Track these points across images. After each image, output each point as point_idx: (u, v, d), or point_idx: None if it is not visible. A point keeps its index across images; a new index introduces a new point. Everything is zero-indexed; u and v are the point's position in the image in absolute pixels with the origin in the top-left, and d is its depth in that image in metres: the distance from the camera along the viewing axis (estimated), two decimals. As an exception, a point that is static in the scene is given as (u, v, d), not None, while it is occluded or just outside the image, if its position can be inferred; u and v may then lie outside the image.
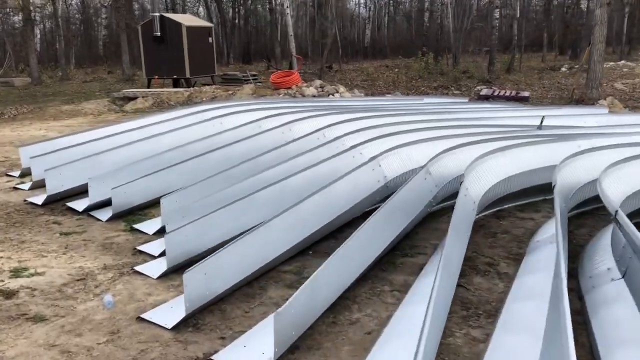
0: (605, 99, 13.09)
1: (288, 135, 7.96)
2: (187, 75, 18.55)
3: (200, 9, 41.75)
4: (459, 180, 5.38)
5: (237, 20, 35.95)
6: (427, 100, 11.04)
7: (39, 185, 7.11)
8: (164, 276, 4.57)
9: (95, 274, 4.66)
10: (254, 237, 4.29)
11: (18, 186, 7.32)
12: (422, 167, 5.44)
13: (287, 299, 3.35)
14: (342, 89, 15.71)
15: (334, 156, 6.18)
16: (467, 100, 11.35)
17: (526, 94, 15.26)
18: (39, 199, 6.64)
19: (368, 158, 5.91)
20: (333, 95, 15.24)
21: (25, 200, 6.70)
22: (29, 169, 7.69)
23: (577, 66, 23.53)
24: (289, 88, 16.14)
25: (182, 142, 7.53)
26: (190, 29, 18.45)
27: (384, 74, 22.26)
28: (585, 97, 13.28)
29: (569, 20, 33.53)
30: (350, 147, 6.49)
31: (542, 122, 7.48)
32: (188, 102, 16.63)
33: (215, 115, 8.76)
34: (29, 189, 7.16)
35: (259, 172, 6.03)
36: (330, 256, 3.83)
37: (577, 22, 31.45)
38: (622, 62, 24.98)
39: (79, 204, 6.41)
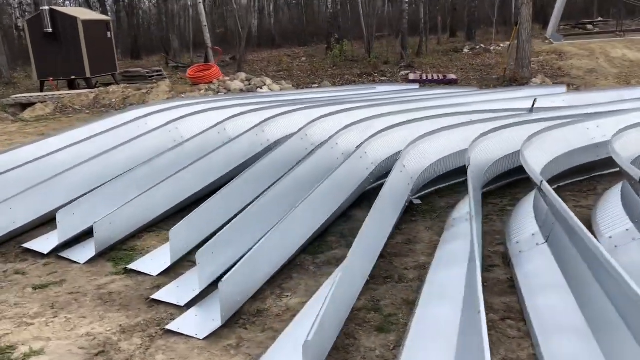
0: (535, 77, 13.31)
1: (262, 136, 7.07)
2: (88, 74, 16.68)
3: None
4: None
5: (121, 13, 33.38)
6: (380, 88, 10.49)
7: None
8: (213, 335, 3.59)
9: (116, 343, 3.58)
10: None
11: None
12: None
13: None
14: (268, 81, 14.77)
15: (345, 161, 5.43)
16: (417, 87, 10.95)
17: (453, 76, 15.24)
18: (47, 242, 5.24)
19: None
20: (261, 88, 14.28)
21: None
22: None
23: (477, 47, 24.20)
24: (210, 83, 14.94)
25: (146, 155, 6.40)
26: (87, 23, 16.56)
27: (295, 64, 21.51)
28: (518, 76, 13.42)
29: (457, 3, 34.57)
30: (355, 148, 5.77)
31: (534, 104, 7.18)
32: (95, 105, 14.90)
33: (171, 119, 7.59)
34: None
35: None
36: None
37: (467, 3, 32.47)
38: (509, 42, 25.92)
39: (41, 244, 5.13)
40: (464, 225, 4.77)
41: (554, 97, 8.79)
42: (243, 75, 15.15)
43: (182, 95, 14.31)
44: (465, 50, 24.24)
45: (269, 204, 4.85)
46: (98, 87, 16.88)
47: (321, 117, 6.82)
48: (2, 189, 5.70)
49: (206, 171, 6.10)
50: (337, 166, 5.32)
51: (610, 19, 37.95)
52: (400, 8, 20.36)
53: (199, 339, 3.55)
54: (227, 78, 15.13)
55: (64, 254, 4.97)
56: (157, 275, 4.52)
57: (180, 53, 25.08)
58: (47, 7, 16.08)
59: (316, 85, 15.70)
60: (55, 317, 3.94)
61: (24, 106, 15.25)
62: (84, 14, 17.14)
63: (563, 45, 21.28)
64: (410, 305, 3.84)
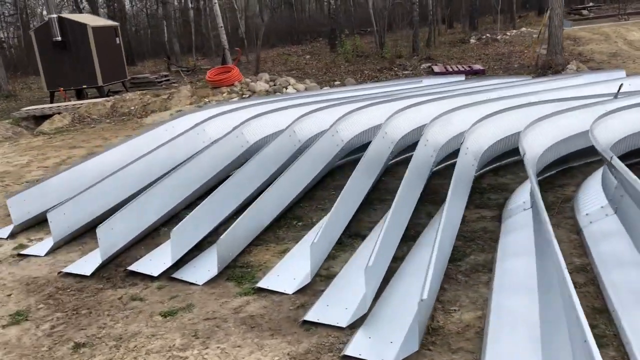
0: (570, 64, 13.07)
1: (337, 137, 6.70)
2: (100, 82, 16.14)
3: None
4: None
5: (115, 18, 32.66)
6: (426, 82, 10.14)
7: (59, 245, 5.27)
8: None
9: (297, 374, 3.19)
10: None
11: (25, 252, 5.35)
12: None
13: None
14: (292, 81, 14.35)
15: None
16: (464, 79, 10.62)
17: (479, 67, 14.96)
18: (82, 266, 4.81)
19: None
20: (286, 88, 13.86)
21: (60, 273, 4.83)
22: (24, 224, 5.77)
23: (484, 37, 23.97)
24: (232, 85, 14.48)
25: (222, 164, 6.04)
26: (96, 29, 16.02)
27: (302, 62, 21.09)
28: (553, 63, 13.16)
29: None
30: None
31: (619, 90, 6.90)
32: (113, 113, 14.37)
33: (235, 124, 7.15)
34: (45, 254, 5.23)
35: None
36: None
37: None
38: (515, 31, 25.74)
39: (148, 265, 4.72)
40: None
41: (622, 82, 8.49)
42: (266, 75, 14.71)
43: (206, 100, 13.86)
44: (472, 41, 24.00)
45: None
46: (110, 95, 16.34)
47: (405, 108, 6.51)
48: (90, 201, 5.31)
49: (299, 176, 5.72)
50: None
51: (602, 3, 38.09)
52: (410, 0, 20.02)
53: (390, 365, 3.18)
54: (249, 80, 14.68)
55: (177, 275, 4.56)
56: (294, 294, 4.13)
57: (182, 56, 24.57)
58: (55, 15, 15.50)
59: (338, 83, 15.32)
60: (206, 347, 3.54)
61: (37, 118, 14.68)
62: (93, 20, 16.58)
63: (575, 30, 21.11)
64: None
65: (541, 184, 5.61)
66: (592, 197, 5.20)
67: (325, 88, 14.45)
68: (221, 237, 4.47)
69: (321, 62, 20.34)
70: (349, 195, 5.00)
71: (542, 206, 3.73)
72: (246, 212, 4.85)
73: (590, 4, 37.81)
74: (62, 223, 5.27)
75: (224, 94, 14.16)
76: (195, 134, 7.53)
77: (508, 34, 24.19)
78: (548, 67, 13.07)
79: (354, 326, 3.59)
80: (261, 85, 13.91)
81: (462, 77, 10.75)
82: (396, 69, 16.52)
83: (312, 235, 4.98)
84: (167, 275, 4.60)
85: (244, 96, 13.78)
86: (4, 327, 4.03)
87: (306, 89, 14.08)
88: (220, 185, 5.39)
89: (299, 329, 3.67)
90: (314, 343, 3.49)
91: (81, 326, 3.95)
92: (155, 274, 4.59)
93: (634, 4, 28.94)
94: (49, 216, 5.17)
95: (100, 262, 4.68)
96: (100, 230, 4.74)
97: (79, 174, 6.50)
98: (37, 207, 5.97)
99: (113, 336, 3.78)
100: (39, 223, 6.05)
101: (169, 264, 4.60)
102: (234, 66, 15.16)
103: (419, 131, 6.45)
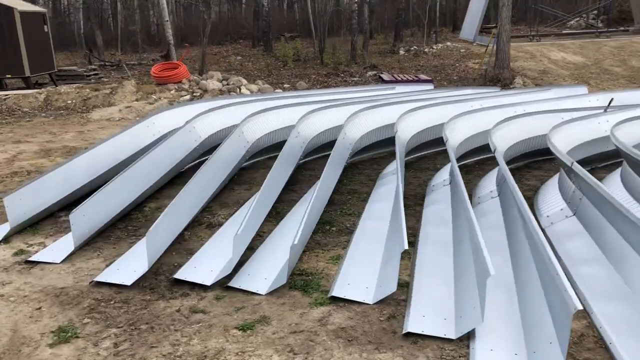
0: (517, 78, 13.70)
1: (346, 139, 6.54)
2: (27, 73, 14.79)
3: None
4: None
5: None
6: (399, 89, 10.20)
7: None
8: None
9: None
10: None
11: (33, 258, 4.68)
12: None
13: None
14: (244, 81, 13.91)
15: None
16: (432, 87, 10.76)
17: (425, 77, 15.30)
18: (119, 275, 4.28)
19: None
20: (239, 88, 13.40)
21: (93, 282, 4.27)
22: (19, 226, 5.10)
23: (412, 49, 24.66)
24: (179, 82, 13.79)
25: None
26: (24, 15, 14.70)
27: (238, 63, 20.58)
28: (501, 76, 13.71)
29: (374, 4, 35.13)
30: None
31: (609, 104, 7.26)
32: (47, 107, 13.23)
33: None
34: (61, 262, 4.61)
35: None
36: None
37: (385, 6, 33.09)
38: (441, 44, 26.71)
39: (197, 273, 4.29)
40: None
41: (590, 97, 8.99)
42: (219, 74, 14.14)
43: (154, 97, 13.10)
44: (402, 52, 24.62)
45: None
46: (37, 87, 15.03)
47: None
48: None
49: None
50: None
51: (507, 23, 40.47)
52: (350, 8, 20.14)
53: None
54: (197, 77, 14.06)
55: (234, 284, 4.18)
56: (375, 304, 3.91)
57: (105, 50, 23.20)
58: (-23, -4, 14.03)
59: (287, 86, 15.08)
60: (314, 364, 3.24)
61: (-45, 109, 13.22)
62: (20, 4, 15.16)
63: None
64: None
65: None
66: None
67: (278, 90, 14.17)
68: (293, 244, 4.15)
69: (257, 64, 19.95)
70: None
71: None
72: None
73: (495, 24, 40.21)
74: (83, 225, 4.69)
75: (172, 91, 13.46)
76: (187, 132, 7.07)
77: (434, 47, 25.05)
78: (497, 81, 13.61)
79: (464, 337, 3.44)
80: (214, 84, 13.36)
81: (431, 86, 10.90)
82: (342, 75, 16.53)
83: (359, 241, 4.83)
84: (223, 285, 4.20)
85: (194, 94, 13.18)
86: (51, 345, 3.48)
87: (259, 90, 13.73)
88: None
89: (402, 341, 3.45)
90: (435, 356, 3.29)
91: (150, 343, 3.49)
92: (209, 283, 4.17)
93: (540, 27, 30.96)
94: (72, 218, 4.57)
95: (145, 271, 4.17)
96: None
97: (70, 172, 5.86)
98: (32, 208, 5.29)
99: (194, 354, 3.37)
100: (31, 225, 5.37)
101: (221, 271, 4.21)
102: (180, 62, 14.45)
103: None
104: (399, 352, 3.35)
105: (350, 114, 6.89)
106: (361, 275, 4.26)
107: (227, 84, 13.52)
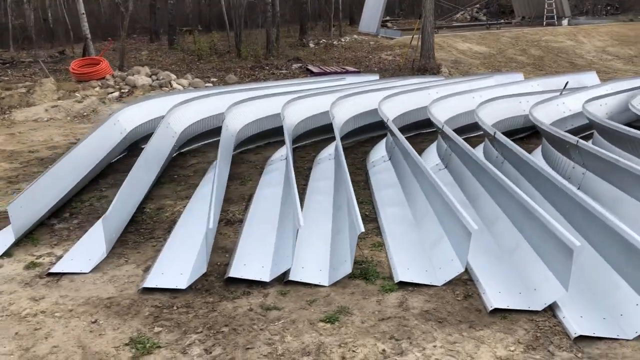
0: (442, 67, 14.31)
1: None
2: None
3: None
4: None
5: None
6: (349, 79, 10.32)
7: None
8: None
9: (549, 360, 3.11)
10: None
11: (55, 270, 4.24)
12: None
13: None
14: (173, 76, 13.32)
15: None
16: (377, 77, 10.95)
17: (353, 69, 15.55)
18: (169, 279, 4.00)
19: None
20: (171, 84, 12.84)
21: (142, 289, 3.95)
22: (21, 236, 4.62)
23: (321, 42, 24.93)
24: (102, 79, 12.94)
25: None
26: None
27: (146, 57, 19.68)
28: (428, 66, 14.23)
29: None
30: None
31: (565, 87, 7.84)
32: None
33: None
34: (90, 271, 4.22)
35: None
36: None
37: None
38: (348, 37, 27.24)
39: (253, 271, 4.11)
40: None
41: (530, 82, 9.61)
42: (147, 69, 13.43)
43: (77, 95, 12.21)
44: (311, 45, 24.79)
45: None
46: None
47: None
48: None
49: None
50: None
51: (398, 18, 42.06)
52: (264, 0, 19.94)
53: None
54: (122, 73, 13.28)
55: (294, 278, 4.05)
56: (443, 286, 3.97)
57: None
58: None
59: (215, 80, 14.69)
60: (422, 349, 3.25)
61: None
62: None
63: (405, 40, 23.02)
64: None
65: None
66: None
67: (208, 85, 13.76)
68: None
69: (168, 59, 19.22)
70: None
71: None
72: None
73: (388, 17, 41.56)
74: (110, 231, 4.33)
75: (96, 89, 12.62)
76: (164, 128, 6.73)
77: (342, 40, 25.48)
78: (424, 70, 14.13)
79: (547, 308, 3.59)
80: (143, 79, 12.69)
81: (377, 76, 11.10)
82: (267, 68, 16.37)
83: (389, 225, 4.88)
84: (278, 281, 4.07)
85: (122, 91, 12.45)
86: (134, 358, 3.20)
87: (190, 85, 13.25)
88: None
89: (493, 318, 3.55)
90: (530, 328, 3.41)
91: (243, 345, 3.31)
92: (268, 279, 4.02)
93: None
94: (104, 224, 4.20)
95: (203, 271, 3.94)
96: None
97: (56, 177, 5.38)
98: (29, 216, 4.79)
99: (295, 351, 3.25)
100: (27, 235, 4.86)
101: (276, 266, 4.08)
102: (101, 58, 13.55)
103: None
104: (495, 328, 3.44)
105: (334, 100, 6.98)
106: (416, 259, 4.31)
107: (157, 79, 12.91)
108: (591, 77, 10.11)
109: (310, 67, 15.72)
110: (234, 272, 4.10)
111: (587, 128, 7.42)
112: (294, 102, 7.31)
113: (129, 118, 7.25)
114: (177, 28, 23.39)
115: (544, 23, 24.45)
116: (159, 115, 7.48)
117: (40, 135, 9.37)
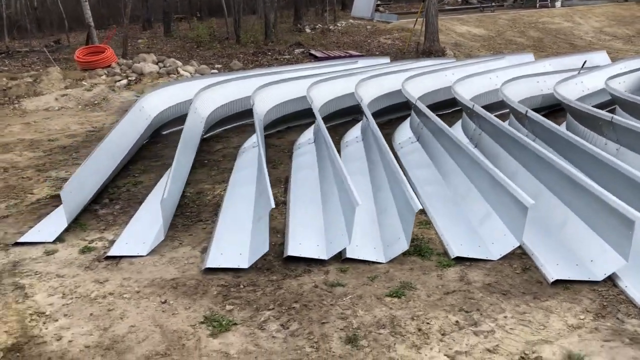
0: (448, 50, 14.36)
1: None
2: None
3: None
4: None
5: None
6: (361, 63, 10.33)
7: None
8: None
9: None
10: None
11: (112, 253, 4.28)
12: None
13: None
14: (179, 63, 13.27)
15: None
16: (388, 61, 10.97)
17: (356, 53, 15.55)
18: (231, 259, 4.06)
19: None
20: (177, 71, 12.78)
21: (205, 269, 4.00)
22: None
23: (317, 27, 24.87)
24: (108, 67, 12.86)
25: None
26: None
27: (144, 45, 19.52)
28: (433, 49, 14.27)
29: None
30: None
31: (583, 65, 7.94)
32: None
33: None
34: (147, 254, 4.26)
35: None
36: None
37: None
38: (344, 22, 27.18)
39: (311, 249, 4.17)
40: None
41: (542, 62, 9.69)
42: (153, 56, 13.35)
43: (85, 84, 12.13)
44: (308, 30, 24.71)
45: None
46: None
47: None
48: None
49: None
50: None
51: (389, 2, 41.96)
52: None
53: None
54: (129, 61, 13.20)
55: (351, 255, 4.12)
56: (498, 260, 4.06)
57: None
58: None
59: (219, 66, 14.63)
60: (494, 320, 3.34)
61: None
62: None
63: (402, 24, 23.00)
64: None
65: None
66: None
67: (214, 71, 13.71)
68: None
69: (167, 47, 19.09)
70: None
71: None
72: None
73: (379, 2, 41.45)
74: (167, 214, 4.38)
75: (103, 77, 12.55)
76: (193, 113, 6.74)
77: (338, 25, 25.42)
78: (430, 53, 14.17)
79: (607, 278, 3.69)
80: (150, 67, 12.62)
81: (387, 59, 11.13)
82: (269, 54, 16.32)
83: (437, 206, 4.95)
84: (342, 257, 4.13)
85: (130, 79, 12.38)
86: (213, 335, 3.26)
87: (196, 72, 13.21)
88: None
89: (556, 289, 3.64)
90: (595, 298, 3.51)
91: (318, 320, 3.39)
92: (326, 257, 4.09)
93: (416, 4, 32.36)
94: (162, 206, 4.24)
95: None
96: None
97: (98, 163, 5.39)
98: (78, 202, 4.81)
99: (371, 324, 3.33)
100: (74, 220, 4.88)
101: (332, 244, 4.15)
102: (106, 46, 13.45)
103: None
104: (560, 298, 3.54)
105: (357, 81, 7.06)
106: (466, 235, 4.39)
107: (164, 66, 12.85)
108: (602, 57, 10.22)
109: (314, 52, 15.70)
110: (292, 250, 4.16)
111: (605, 105, 7.53)
112: (317, 84, 7.34)
113: (152, 104, 7.25)
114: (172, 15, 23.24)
115: (537, 5, 24.53)
116: (181, 101, 7.50)
117: (55, 124, 9.32)
